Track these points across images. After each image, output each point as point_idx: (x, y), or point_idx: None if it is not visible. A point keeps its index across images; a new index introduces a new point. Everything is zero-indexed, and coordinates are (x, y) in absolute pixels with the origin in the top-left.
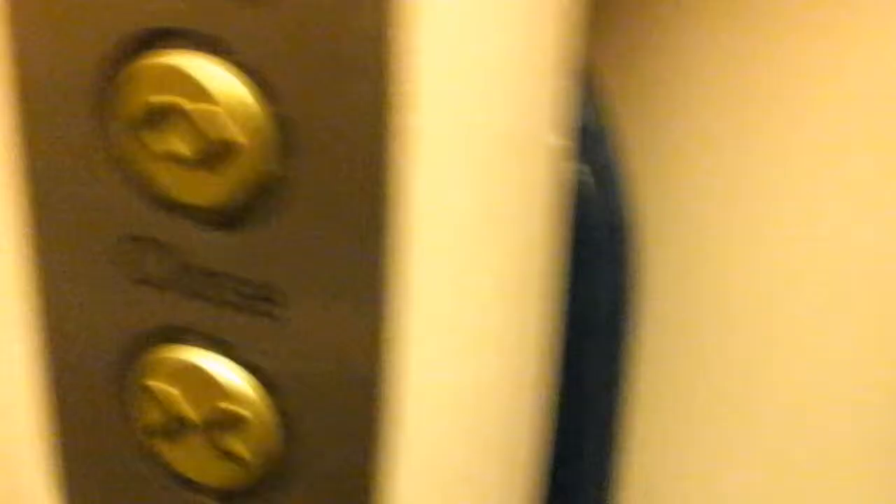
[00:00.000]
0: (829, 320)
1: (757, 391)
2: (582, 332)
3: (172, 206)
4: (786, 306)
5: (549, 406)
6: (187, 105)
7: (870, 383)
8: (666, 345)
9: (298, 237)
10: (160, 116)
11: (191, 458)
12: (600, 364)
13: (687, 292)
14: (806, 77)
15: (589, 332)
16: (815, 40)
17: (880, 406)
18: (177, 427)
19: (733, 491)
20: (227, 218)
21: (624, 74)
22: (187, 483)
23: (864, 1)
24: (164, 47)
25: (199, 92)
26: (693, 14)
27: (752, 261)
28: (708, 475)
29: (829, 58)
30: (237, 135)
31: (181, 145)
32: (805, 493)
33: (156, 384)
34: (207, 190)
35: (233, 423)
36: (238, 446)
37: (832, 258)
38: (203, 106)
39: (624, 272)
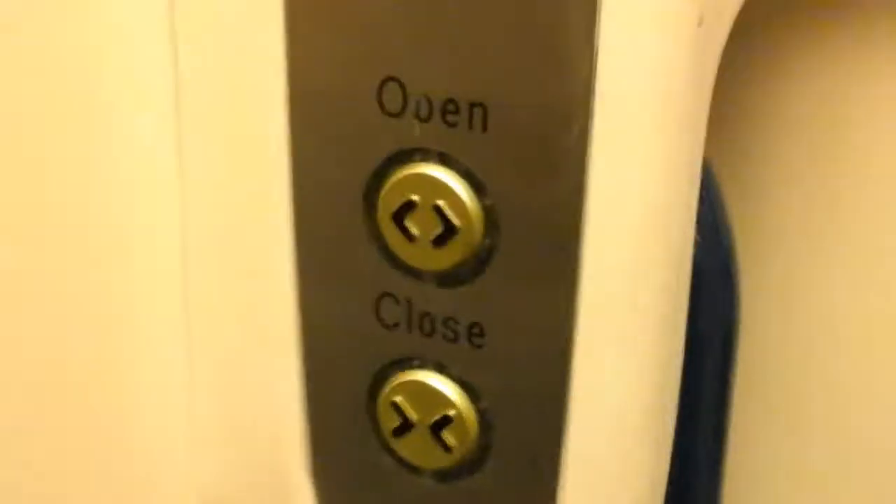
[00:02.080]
0: None
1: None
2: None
3: (411, 271)
4: (885, 327)
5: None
6: (426, 201)
7: None
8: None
9: (499, 290)
10: (408, 209)
11: (416, 449)
12: (712, 386)
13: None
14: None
15: (704, 358)
16: None
17: None
18: (407, 427)
19: None
20: (449, 279)
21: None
22: (413, 468)
23: None
24: (412, 160)
25: (434, 192)
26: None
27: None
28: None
29: None
30: (457, 220)
31: (420, 229)
32: None
33: (394, 397)
34: (436, 259)
35: (445, 422)
36: (449, 439)
37: None
38: (436, 201)
39: (732, 312)
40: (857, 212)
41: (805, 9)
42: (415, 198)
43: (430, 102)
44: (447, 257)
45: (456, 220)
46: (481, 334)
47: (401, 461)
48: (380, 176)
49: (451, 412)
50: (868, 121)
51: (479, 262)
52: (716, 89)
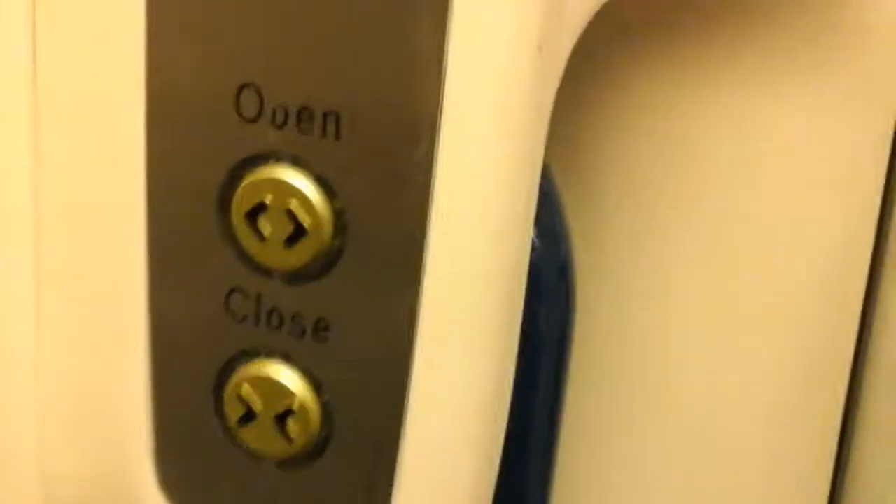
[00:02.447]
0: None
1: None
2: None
3: (262, 269)
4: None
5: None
6: (278, 203)
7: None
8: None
9: (345, 289)
10: (261, 210)
11: (259, 438)
12: (546, 389)
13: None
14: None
15: (541, 357)
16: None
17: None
18: (251, 417)
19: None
20: (298, 276)
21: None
22: (256, 456)
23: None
24: (266, 163)
25: (286, 194)
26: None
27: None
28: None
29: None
30: (307, 222)
31: (271, 229)
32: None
33: (240, 388)
34: (286, 258)
35: (289, 412)
36: (292, 429)
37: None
38: (288, 203)
39: (567, 312)
40: (692, 218)
41: (642, 29)
42: (267, 199)
43: (285, 110)
44: (297, 257)
45: (306, 222)
46: (326, 329)
47: (244, 450)
48: (234, 177)
49: (295, 403)
50: (701, 130)
51: (327, 262)
52: (557, 98)
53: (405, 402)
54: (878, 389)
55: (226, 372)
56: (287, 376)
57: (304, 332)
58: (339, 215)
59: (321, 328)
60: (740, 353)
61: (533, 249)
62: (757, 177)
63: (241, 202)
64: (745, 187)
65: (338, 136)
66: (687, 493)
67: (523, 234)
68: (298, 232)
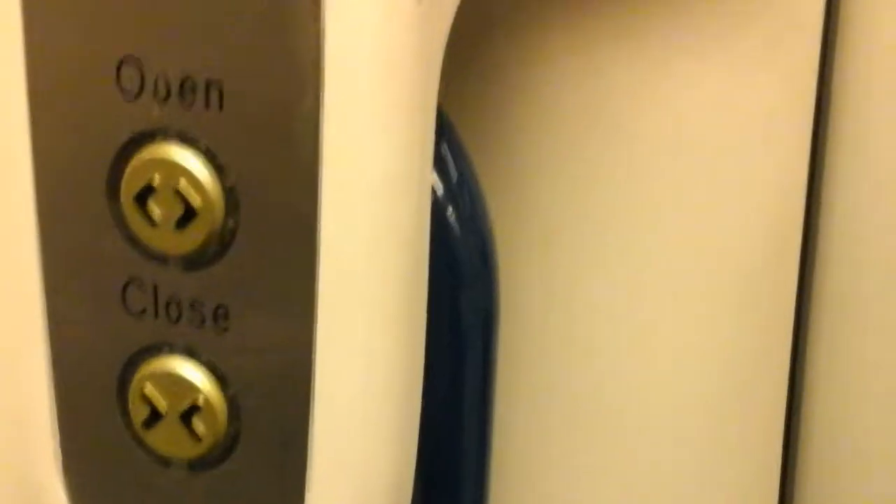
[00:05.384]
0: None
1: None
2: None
3: (156, 255)
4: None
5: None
6: (167, 183)
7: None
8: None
9: (243, 270)
10: (149, 192)
11: (167, 440)
12: (474, 372)
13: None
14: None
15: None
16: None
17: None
18: (156, 417)
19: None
20: (193, 261)
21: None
22: (164, 459)
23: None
24: (153, 142)
25: (174, 173)
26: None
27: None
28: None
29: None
30: (198, 202)
31: (162, 212)
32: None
33: (143, 387)
34: (180, 242)
35: (194, 410)
36: (199, 427)
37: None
38: (176, 183)
39: (491, 296)
40: (617, 186)
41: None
42: (156, 180)
43: (167, 82)
44: (190, 239)
45: (196, 202)
46: (226, 317)
47: (151, 453)
48: (121, 159)
49: (200, 399)
50: (620, 93)
51: (222, 244)
52: (478, 88)
53: (311, 388)
54: (823, 342)
55: (128, 371)
56: (190, 371)
57: (203, 322)
58: (229, 192)
59: (220, 316)
60: (675, 325)
61: (453, 236)
62: (682, 136)
63: (129, 185)
64: (670, 149)
65: (221, 106)
66: (624, 480)
67: (420, 193)
68: (189, 213)
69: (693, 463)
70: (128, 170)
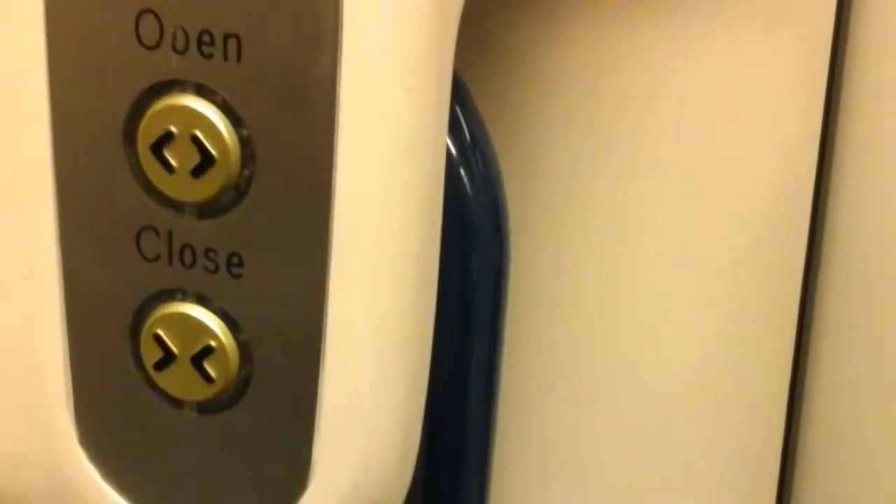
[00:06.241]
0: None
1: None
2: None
3: (172, 203)
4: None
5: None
6: (184, 132)
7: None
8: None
9: (257, 219)
10: (166, 140)
11: (178, 382)
12: (482, 329)
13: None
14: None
15: (475, 296)
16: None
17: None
18: (169, 359)
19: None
20: (208, 210)
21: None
22: (175, 400)
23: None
24: (170, 92)
25: (191, 122)
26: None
27: (610, 251)
28: (575, 466)
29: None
30: (214, 150)
31: (178, 159)
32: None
33: (156, 330)
34: (195, 190)
35: (207, 353)
36: (211, 369)
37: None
38: (194, 132)
39: (501, 259)
40: (626, 162)
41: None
42: (173, 129)
43: (185, 34)
44: (206, 188)
45: (213, 151)
46: (240, 264)
47: (163, 394)
48: (138, 108)
49: (213, 343)
50: (637, 97)
51: (237, 193)
52: (490, 58)
53: (322, 336)
54: (826, 338)
55: (141, 314)
56: (203, 316)
57: (217, 269)
58: (246, 143)
59: (234, 263)
60: (680, 300)
61: (466, 196)
62: (687, 117)
63: (146, 133)
64: (675, 129)
65: (239, 58)
66: (626, 461)
67: (434, 152)
68: (206, 161)
69: (694, 444)
70: (145, 118)
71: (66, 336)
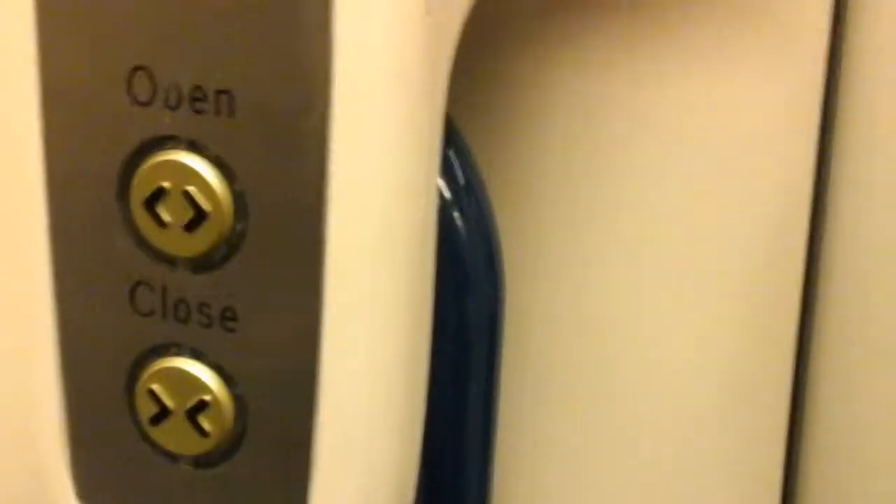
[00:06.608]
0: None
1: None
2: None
3: (165, 258)
4: (633, 311)
5: (425, 397)
6: (177, 187)
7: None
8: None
9: (252, 273)
10: (159, 196)
11: (173, 436)
12: (479, 372)
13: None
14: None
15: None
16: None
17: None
18: (164, 414)
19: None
20: (201, 264)
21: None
22: (170, 455)
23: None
24: (163, 148)
25: (184, 178)
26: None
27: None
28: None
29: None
30: (207, 206)
31: (171, 215)
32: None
33: (151, 385)
34: (188, 245)
35: (202, 407)
36: (206, 424)
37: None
38: (186, 187)
39: (496, 300)
40: (623, 183)
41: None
42: (166, 185)
43: (178, 90)
44: (199, 242)
45: (206, 206)
46: (234, 318)
47: (158, 449)
48: (132, 164)
49: (207, 397)
50: (633, 121)
51: (230, 247)
52: (483, 95)
53: (316, 388)
54: (826, 344)
55: (136, 369)
56: (198, 370)
57: (211, 323)
58: (238, 197)
59: (228, 317)
60: (682, 318)
61: (460, 240)
62: (684, 139)
63: (139, 189)
64: (672, 152)
65: (231, 113)
66: (627, 474)
67: (426, 199)
68: (199, 216)
69: (696, 454)
70: (138, 174)
71: (62, 389)
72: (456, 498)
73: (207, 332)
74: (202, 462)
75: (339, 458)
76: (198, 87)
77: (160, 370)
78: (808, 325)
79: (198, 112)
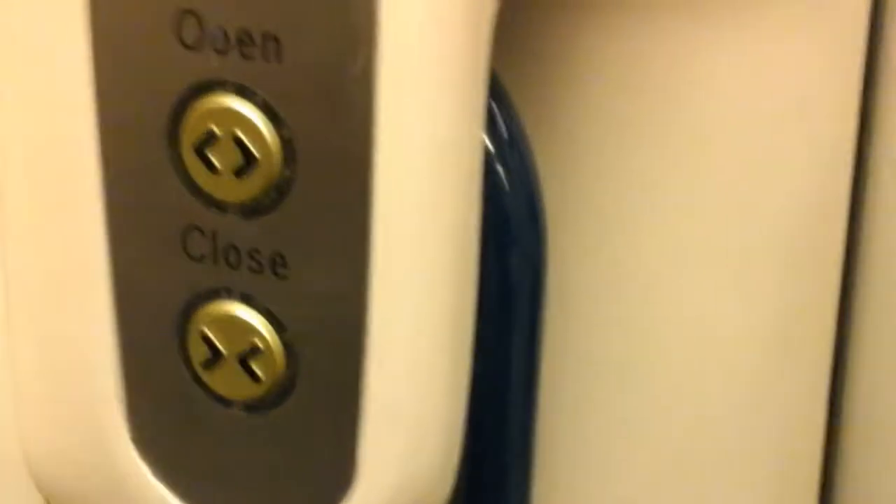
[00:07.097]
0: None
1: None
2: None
3: (215, 203)
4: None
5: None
6: (226, 133)
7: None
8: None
9: (301, 219)
10: (209, 141)
11: (225, 381)
12: (521, 329)
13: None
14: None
15: (515, 296)
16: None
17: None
18: (216, 359)
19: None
20: (251, 210)
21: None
22: (223, 399)
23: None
24: (212, 92)
25: (233, 123)
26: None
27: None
28: (608, 462)
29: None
30: (257, 151)
31: (221, 160)
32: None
33: (202, 329)
34: (238, 191)
35: (253, 352)
36: (258, 369)
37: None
38: (236, 133)
39: (539, 256)
40: (664, 155)
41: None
42: (215, 129)
43: (226, 34)
44: (248, 188)
45: (255, 152)
46: (284, 265)
47: (211, 393)
48: (181, 109)
49: (259, 342)
50: (664, 66)
51: (279, 193)
52: (527, 58)
53: (365, 337)
54: (870, 310)
55: (188, 313)
56: (248, 315)
57: (261, 269)
58: (286, 143)
59: (278, 263)
60: (723, 289)
61: (503, 194)
62: (720, 106)
63: (189, 133)
64: (706, 120)
65: (279, 59)
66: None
67: (472, 148)
68: (248, 162)
69: (734, 443)
70: (188, 119)
71: (116, 335)
72: (500, 457)
73: (258, 277)
74: (254, 407)
75: (388, 406)
76: (245, 32)
77: (212, 314)
78: (846, 312)
79: (245, 57)
